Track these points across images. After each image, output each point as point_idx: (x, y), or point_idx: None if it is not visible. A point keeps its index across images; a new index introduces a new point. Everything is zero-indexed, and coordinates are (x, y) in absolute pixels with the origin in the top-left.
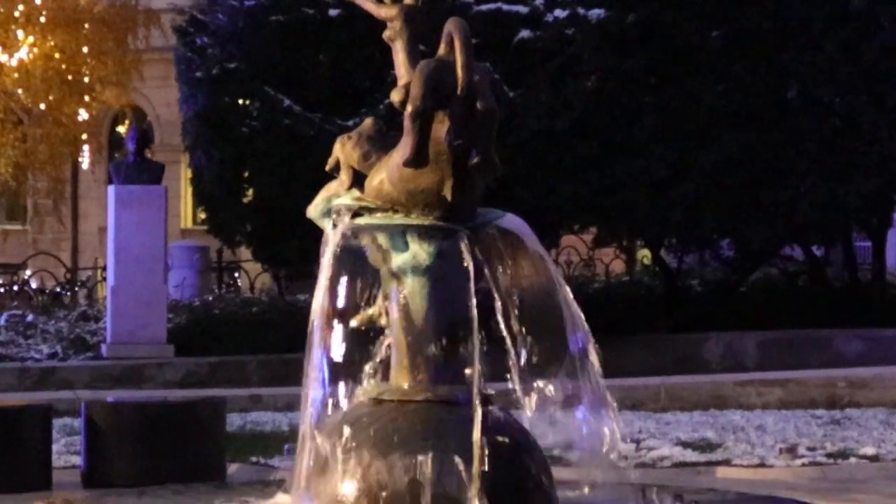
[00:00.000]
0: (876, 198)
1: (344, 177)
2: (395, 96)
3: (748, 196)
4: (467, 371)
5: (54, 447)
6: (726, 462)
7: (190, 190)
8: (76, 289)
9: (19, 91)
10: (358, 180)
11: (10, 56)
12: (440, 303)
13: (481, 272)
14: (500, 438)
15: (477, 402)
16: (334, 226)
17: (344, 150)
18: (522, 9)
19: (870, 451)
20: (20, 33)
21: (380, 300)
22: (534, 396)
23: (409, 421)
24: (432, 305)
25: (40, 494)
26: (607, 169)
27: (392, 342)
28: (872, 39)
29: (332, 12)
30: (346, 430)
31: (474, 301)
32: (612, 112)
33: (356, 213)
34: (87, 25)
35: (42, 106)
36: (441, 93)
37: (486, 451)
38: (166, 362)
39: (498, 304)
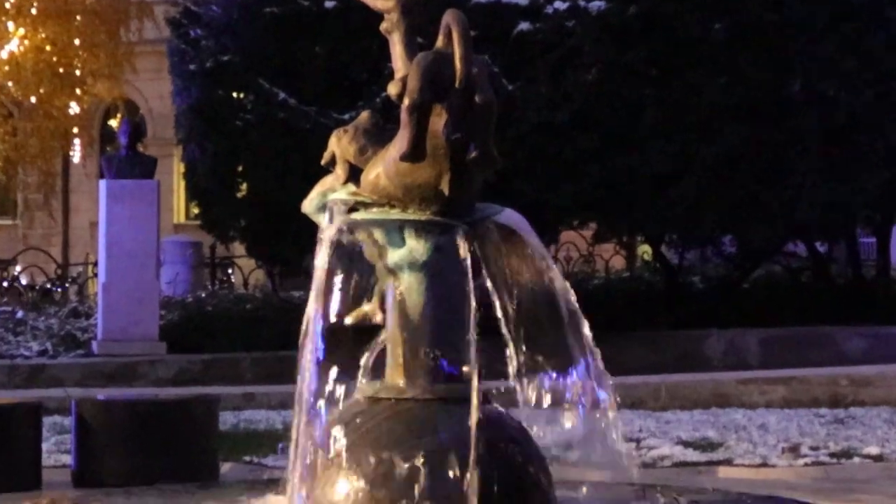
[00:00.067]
0: (880, 193)
1: (339, 171)
2: (392, 89)
3: (750, 192)
4: (465, 369)
5: (44, 446)
6: (728, 462)
7: (183, 184)
8: (67, 285)
9: (9, 84)
10: (354, 175)
11: (1, 48)
12: (437, 299)
13: (479, 268)
14: (498, 437)
15: (474, 400)
16: (330, 221)
17: (340, 144)
18: (522, 0)
19: (874, 450)
20: (11, 25)
21: (376, 297)
22: (533, 395)
23: (405, 420)
24: (429, 302)
25: (29, 494)
26: (607, 162)
27: (388, 339)
28: (877, 34)
29: (328, 3)
30: (341, 429)
31: (472, 297)
32: (613, 104)
33: (352, 209)
34: (78, 17)
35: (33, 99)
36: (439, 85)
37: (484, 451)
38: (158, 359)
39: (496, 300)
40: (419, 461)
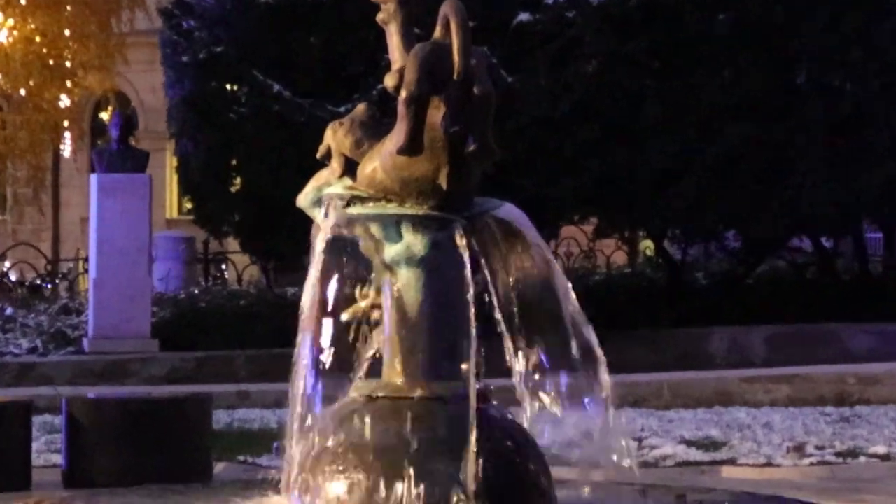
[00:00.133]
0: (887, 187)
1: (335, 164)
2: (389, 81)
3: (754, 186)
4: (463, 366)
5: (34, 445)
6: (731, 461)
7: (175, 178)
8: (57, 281)
9: None
10: (350, 168)
11: None
12: (435, 295)
13: (478, 263)
14: (497, 436)
15: (473, 399)
16: (325, 215)
17: (335, 137)
18: None
19: (880, 449)
20: None
21: (372, 293)
22: (532, 393)
23: (403, 419)
24: (427, 298)
25: (19, 495)
26: (608, 156)
27: (385, 336)
28: (884, 24)
29: None
30: (337, 428)
31: (471, 293)
32: (614, 96)
33: (348, 203)
34: (69, 8)
35: (22, 91)
36: (437, 77)
37: (483, 450)
38: (150, 357)
39: (495, 296)
40: (417, 461)
